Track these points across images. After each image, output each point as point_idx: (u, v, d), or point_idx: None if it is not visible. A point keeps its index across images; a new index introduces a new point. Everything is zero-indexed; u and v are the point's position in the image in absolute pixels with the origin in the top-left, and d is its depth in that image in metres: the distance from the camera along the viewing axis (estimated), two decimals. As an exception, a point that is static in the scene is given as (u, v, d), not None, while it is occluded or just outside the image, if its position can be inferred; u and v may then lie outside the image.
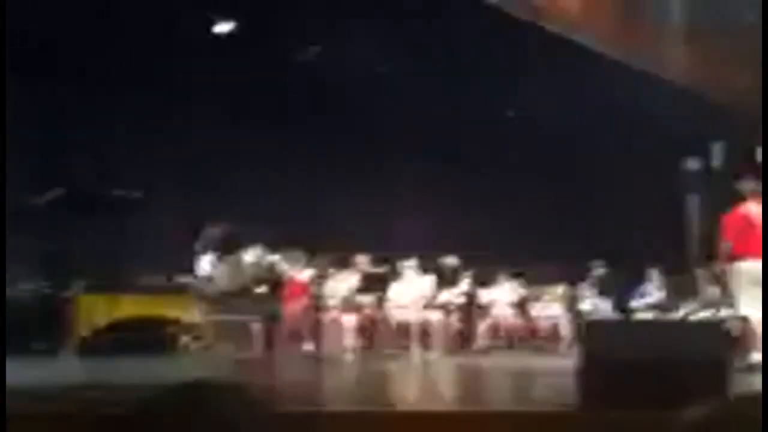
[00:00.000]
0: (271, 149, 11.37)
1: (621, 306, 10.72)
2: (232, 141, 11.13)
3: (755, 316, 7.05)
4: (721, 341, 5.04)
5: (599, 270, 11.39)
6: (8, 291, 8.42)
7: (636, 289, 11.05)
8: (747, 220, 7.16)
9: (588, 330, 4.61)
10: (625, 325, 5.90)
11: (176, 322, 8.42)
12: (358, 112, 11.53)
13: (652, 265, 11.12)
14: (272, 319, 7.65)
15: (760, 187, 7.28)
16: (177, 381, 0.98)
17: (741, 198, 7.36)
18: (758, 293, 6.99)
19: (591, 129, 11.62)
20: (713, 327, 7.53)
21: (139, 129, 10.42)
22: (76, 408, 3.83)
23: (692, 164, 13.50)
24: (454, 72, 10.96)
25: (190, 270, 8.21)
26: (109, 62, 9.79)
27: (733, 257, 7.16)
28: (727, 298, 10.59)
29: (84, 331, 7.55)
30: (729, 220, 7.30)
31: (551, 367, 7.87)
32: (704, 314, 10.36)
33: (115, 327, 5.94)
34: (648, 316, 10.46)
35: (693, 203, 13.55)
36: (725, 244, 7.22)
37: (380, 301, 9.74)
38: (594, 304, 10.98)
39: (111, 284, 6.05)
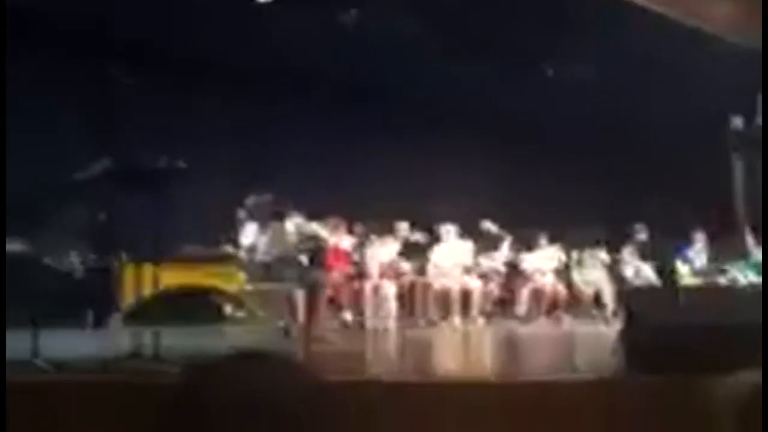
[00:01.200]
0: (312, 119, 11.38)
1: (664, 271, 10.59)
2: (273, 112, 11.16)
3: None
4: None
5: (642, 234, 11.24)
6: (55, 263, 8.60)
7: (680, 253, 10.90)
8: None
9: (631, 297, 4.58)
10: (668, 292, 5.83)
11: (221, 291, 8.53)
12: (398, 81, 11.46)
13: (697, 228, 10.95)
14: (315, 288, 7.70)
15: None
16: (223, 350, 1.01)
17: None
18: None
19: (633, 88, 11.39)
20: (760, 291, 7.44)
21: (182, 102, 10.49)
22: (127, 377, 3.92)
23: (738, 122, 13.22)
24: (492, 35, 10.81)
25: (234, 240, 8.30)
26: (151, 38, 9.86)
27: None
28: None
29: (130, 300, 7.70)
30: None
31: (594, 334, 7.84)
32: (751, 278, 10.21)
33: (161, 297, 6.03)
34: (693, 281, 10.33)
35: (738, 163, 13.29)
36: None
37: (421, 269, 9.75)
38: (637, 269, 10.85)
39: (156, 255, 6.14)
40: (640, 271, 10.80)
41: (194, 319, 7.58)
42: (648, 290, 7.72)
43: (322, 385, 0.83)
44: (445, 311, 9.59)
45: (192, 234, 10.02)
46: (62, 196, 8.27)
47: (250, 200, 8.11)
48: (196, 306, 8.17)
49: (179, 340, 5.24)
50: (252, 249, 7.68)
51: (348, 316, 9.08)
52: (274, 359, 0.84)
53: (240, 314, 7.96)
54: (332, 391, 0.83)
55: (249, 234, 7.86)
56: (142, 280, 5.81)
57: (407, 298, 9.57)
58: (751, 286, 9.15)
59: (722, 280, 10.10)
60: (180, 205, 9.21)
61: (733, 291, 7.00)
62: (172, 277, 7.76)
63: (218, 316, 8.35)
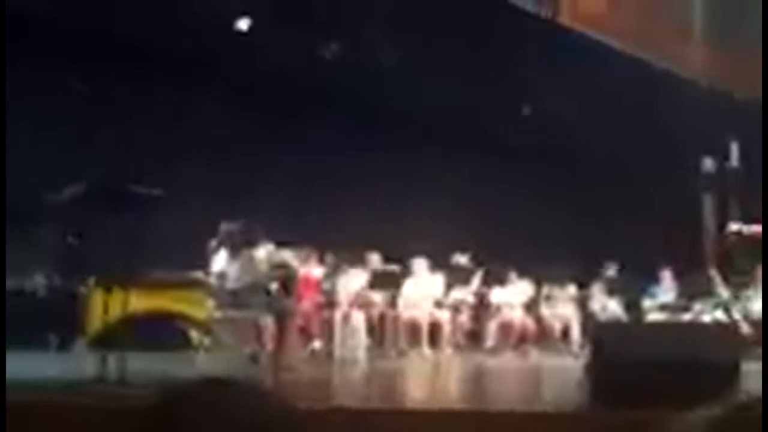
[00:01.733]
0: (286, 147, 11.40)
1: (632, 307, 10.69)
2: (247, 139, 11.17)
3: None
4: (733, 342, 5.05)
5: (611, 271, 11.36)
6: (24, 284, 8.49)
7: (648, 290, 11.02)
8: None
9: (598, 331, 4.63)
10: (634, 327, 5.91)
11: (189, 317, 8.46)
12: (372, 110, 11.54)
13: (664, 266, 11.09)
14: (284, 316, 7.67)
15: None
16: (190, 376, 1.00)
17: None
18: None
19: (606, 128, 11.58)
20: (725, 328, 7.57)
21: (157, 127, 10.48)
22: (91, 400, 3.88)
23: (709, 164, 13.46)
24: (469, 70, 10.96)
25: (203, 266, 8.26)
26: (127, 59, 9.87)
27: None
28: (740, 300, 10.59)
29: (97, 324, 7.60)
30: None
31: (561, 367, 7.88)
32: (717, 315, 10.34)
33: (127, 321, 5.97)
34: (660, 317, 10.43)
35: (708, 203, 13.51)
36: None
37: (392, 299, 9.75)
38: (605, 304, 10.95)
39: (125, 279, 6.09)
40: (607, 306, 10.90)
41: (161, 344, 7.50)
42: (614, 325, 7.79)
43: (290, 412, 0.82)
44: (415, 342, 9.58)
45: (162, 259, 9.95)
46: (33, 218, 8.21)
47: (222, 227, 8.09)
48: (163, 332, 8.09)
49: (145, 366, 5.20)
50: (222, 276, 7.64)
51: (317, 345, 9.05)
52: (241, 385, 0.83)
53: (207, 341, 7.89)
54: (299, 419, 0.83)
55: (219, 261, 7.83)
56: (110, 304, 5.76)
57: (377, 329, 9.56)
58: (716, 324, 9.25)
59: (687, 317, 10.21)
60: (152, 230, 9.20)
61: (697, 328, 7.09)
62: (140, 302, 7.68)
63: (185, 343, 8.27)
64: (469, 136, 11.95)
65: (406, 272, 10.04)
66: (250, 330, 7.31)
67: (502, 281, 10.83)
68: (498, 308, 10.60)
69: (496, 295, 10.70)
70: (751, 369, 5.67)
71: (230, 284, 7.48)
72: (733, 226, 7.54)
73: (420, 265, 10.09)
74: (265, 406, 0.81)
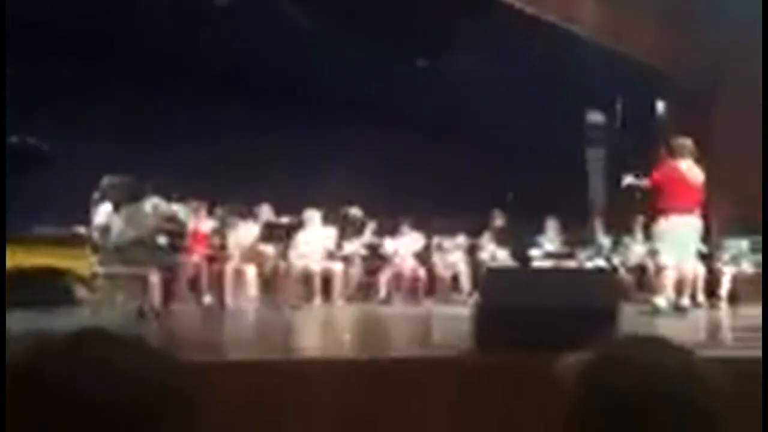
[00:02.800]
0: (177, 99, 11.08)
1: (519, 255, 11.01)
2: (137, 93, 10.79)
3: (670, 264, 7.51)
4: (612, 288, 5.27)
5: (499, 220, 11.64)
6: None
7: (535, 240, 11.37)
8: (679, 175, 7.56)
9: (485, 278, 4.75)
10: (520, 273, 6.07)
11: (72, 273, 8.18)
12: (269, 66, 11.34)
13: (550, 216, 11.45)
14: (173, 271, 7.53)
15: (693, 147, 7.72)
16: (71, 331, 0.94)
17: (669, 153, 7.78)
18: (679, 244, 7.52)
19: (496, 79, 11.74)
20: (605, 275, 7.88)
21: (45, 80, 9.99)
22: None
23: (596, 117, 13.90)
24: (362, 24, 10.87)
25: (86, 221, 7.98)
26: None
27: (659, 210, 7.57)
28: (621, 246, 11.08)
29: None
30: (659, 172, 7.69)
31: (452, 315, 8.05)
32: (598, 263, 10.78)
33: (8, 278, 5.72)
34: (545, 264, 10.79)
35: (594, 156, 13.99)
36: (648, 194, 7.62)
37: (284, 252, 9.71)
38: (493, 253, 11.24)
39: (4, 233, 5.80)
40: (496, 255, 11.19)
41: (43, 300, 7.23)
42: (501, 272, 7.99)
43: (171, 365, 0.78)
44: (307, 295, 9.59)
45: (44, 215, 9.56)
46: None
47: (104, 180, 7.81)
48: (46, 287, 7.81)
49: (28, 323, 5.01)
50: (105, 230, 7.39)
51: (208, 299, 8.94)
52: (118, 337, 0.80)
53: (92, 297, 7.66)
54: (181, 371, 0.79)
55: (102, 215, 7.56)
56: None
57: (269, 282, 9.52)
58: (597, 270, 9.64)
59: (571, 264, 10.61)
60: (33, 186, 8.81)
61: (579, 275, 7.37)
62: (21, 258, 7.39)
63: (69, 298, 8.01)
64: (361, 90, 11.90)
65: (298, 224, 10.00)
66: (137, 285, 7.13)
67: (394, 232, 10.96)
68: (390, 259, 10.72)
69: (388, 245, 10.82)
70: (626, 312, 5.95)
71: (114, 239, 7.24)
72: (627, 179, 7.95)
73: (312, 216, 10.06)
74: (144, 358, 0.77)
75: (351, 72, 11.50)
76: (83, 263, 7.90)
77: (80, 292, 8.06)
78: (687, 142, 7.80)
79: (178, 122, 11.06)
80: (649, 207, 7.84)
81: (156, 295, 7.01)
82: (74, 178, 8.47)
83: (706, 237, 8.95)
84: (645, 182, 7.79)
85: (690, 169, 7.68)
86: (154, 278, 7.02)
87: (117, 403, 0.70)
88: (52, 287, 7.94)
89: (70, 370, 0.72)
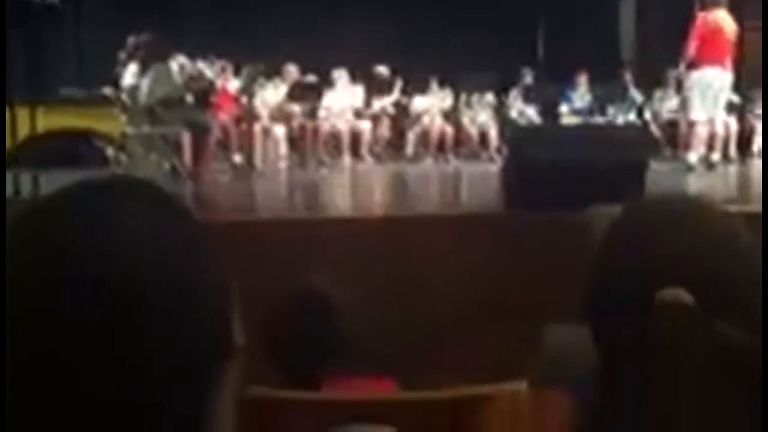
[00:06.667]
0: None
1: (547, 112, 10.88)
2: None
3: (702, 119, 7.36)
4: (642, 142, 5.22)
5: (528, 78, 11.43)
6: None
7: (563, 95, 11.19)
8: (715, 27, 7.29)
9: (514, 134, 4.71)
10: (548, 130, 6.02)
11: (102, 134, 8.24)
12: None
13: (580, 72, 11.21)
14: (202, 130, 7.54)
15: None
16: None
17: (706, 5, 7.47)
18: (710, 99, 7.29)
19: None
20: (635, 129, 7.80)
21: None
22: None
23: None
24: None
25: (115, 81, 7.96)
26: None
27: (694, 62, 7.34)
28: (653, 101, 10.88)
29: (6, 143, 7.35)
30: (699, 28, 7.40)
31: (480, 173, 8.07)
32: (630, 118, 10.64)
33: (38, 140, 5.76)
34: (574, 120, 10.67)
35: (626, 9, 13.51)
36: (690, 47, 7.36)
37: (312, 111, 9.66)
38: (522, 110, 11.10)
39: (32, 96, 5.80)
40: (525, 112, 11.06)
41: (74, 162, 7.32)
42: (529, 129, 7.93)
43: (204, 223, 0.73)
44: (336, 153, 9.62)
45: (71, 76, 9.54)
46: None
47: (130, 40, 7.73)
48: (76, 149, 7.89)
49: (59, 184, 5.09)
50: (134, 90, 7.38)
51: (237, 158, 9.00)
52: (137, 184, 0.70)
53: (123, 157, 7.73)
54: (216, 230, 0.76)
55: (130, 75, 7.53)
56: (17, 124, 5.53)
57: (297, 141, 9.53)
58: (629, 125, 9.53)
59: (601, 120, 10.48)
60: (56, 45, 8.74)
61: (609, 129, 7.29)
62: (50, 121, 7.43)
63: (100, 160, 8.09)
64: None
65: (326, 83, 9.90)
66: (168, 145, 7.19)
67: (422, 90, 10.82)
68: (418, 117, 10.65)
69: (417, 103, 10.72)
70: (657, 168, 5.92)
71: (143, 99, 7.24)
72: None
73: (340, 75, 9.94)
74: (172, 214, 0.71)
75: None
76: (113, 124, 7.94)
77: (111, 153, 8.15)
78: None
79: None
80: (682, 59, 7.59)
81: (187, 155, 7.06)
82: (98, 38, 8.40)
83: (738, 87, 8.74)
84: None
85: (724, 19, 7.40)
86: (185, 137, 7.05)
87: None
88: (82, 149, 8.02)
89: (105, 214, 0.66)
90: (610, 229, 1.01)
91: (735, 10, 7.61)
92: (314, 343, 1.85)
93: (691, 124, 7.65)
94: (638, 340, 0.81)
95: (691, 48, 7.32)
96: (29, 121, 5.48)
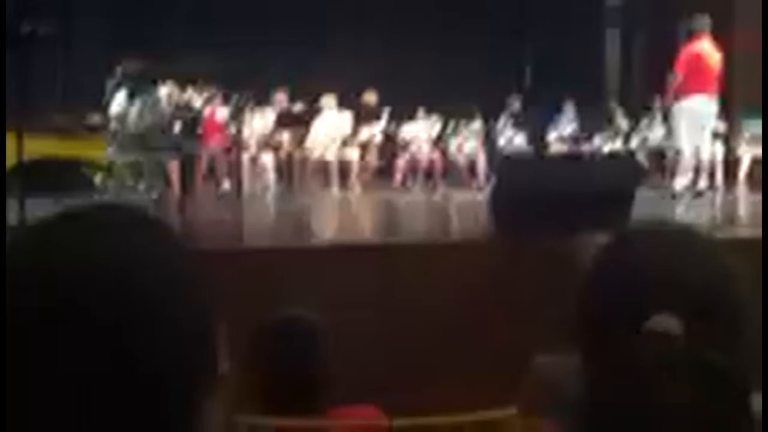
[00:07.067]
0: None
1: (535, 140, 10.93)
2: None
3: (689, 148, 7.42)
4: (629, 172, 5.25)
5: (515, 105, 11.50)
6: None
7: (551, 123, 11.26)
8: (700, 57, 7.36)
9: (501, 165, 4.73)
10: (536, 161, 6.06)
11: (89, 161, 8.22)
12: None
13: (568, 98, 11.30)
14: (190, 158, 7.55)
15: (710, 26, 7.48)
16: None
17: (691, 35, 7.56)
18: (698, 129, 7.37)
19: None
20: (623, 159, 7.86)
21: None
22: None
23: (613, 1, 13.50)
24: None
25: (103, 109, 7.96)
26: None
27: (680, 92, 7.40)
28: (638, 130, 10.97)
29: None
30: (682, 55, 7.48)
31: (468, 201, 8.08)
32: (616, 146, 10.71)
33: (26, 166, 5.74)
34: (562, 148, 10.72)
35: (612, 38, 13.66)
36: (674, 77, 7.42)
37: (300, 139, 9.67)
38: (510, 138, 11.15)
39: (20, 123, 5.79)
40: (513, 140, 11.11)
41: (62, 189, 7.28)
42: (517, 158, 7.96)
43: (191, 252, 0.72)
44: (324, 182, 9.62)
45: (59, 103, 9.52)
46: None
47: (119, 68, 7.75)
48: (64, 176, 7.85)
49: (46, 211, 5.06)
50: (122, 118, 7.38)
51: (226, 186, 8.99)
52: (124, 210, 0.70)
53: (111, 184, 7.70)
54: (203, 258, 0.75)
55: (118, 103, 7.54)
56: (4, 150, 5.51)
57: (285, 169, 9.53)
58: (616, 155, 9.60)
59: (587, 147, 10.55)
60: (44, 72, 8.74)
61: (596, 160, 7.34)
62: (38, 148, 7.40)
63: (87, 187, 8.06)
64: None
65: (314, 111, 9.92)
66: (156, 172, 7.17)
67: (410, 118, 10.87)
68: (406, 145, 10.67)
69: (405, 130, 10.75)
70: (644, 196, 5.95)
71: (131, 127, 7.24)
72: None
73: (328, 103, 9.97)
74: (159, 243, 0.70)
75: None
76: (100, 152, 7.92)
77: (98, 180, 8.12)
78: (706, 20, 7.57)
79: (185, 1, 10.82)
80: (667, 89, 7.66)
81: (175, 182, 7.06)
82: (86, 65, 8.41)
83: (724, 116, 8.82)
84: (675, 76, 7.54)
85: (709, 49, 7.49)
86: (173, 165, 7.05)
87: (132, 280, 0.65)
88: (69, 176, 7.98)
89: (86, 242, 0.66)
90: (597, 257, 1.01)
91: (720, 36, 7.69)
92: (301, 373, 1.84)
93: (678, 153, 7.71)
94: (626, 366, 0.81)
95: (676, 79, 7.40)
96: (16, 148, 5.45)
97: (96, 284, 0.62)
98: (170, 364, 0.63)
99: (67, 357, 0.60)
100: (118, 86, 7.66)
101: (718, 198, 8.19)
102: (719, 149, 9.31)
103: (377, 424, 1.77)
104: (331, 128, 9.89)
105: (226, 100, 9.50)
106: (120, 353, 0.61)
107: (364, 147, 10.30)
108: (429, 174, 10.59)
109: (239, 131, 9.23)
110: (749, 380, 0.78)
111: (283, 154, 9.52)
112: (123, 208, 0.71)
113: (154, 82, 7.77)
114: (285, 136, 9.59)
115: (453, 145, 11.00)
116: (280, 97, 9.92)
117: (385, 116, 10.56)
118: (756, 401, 0.77)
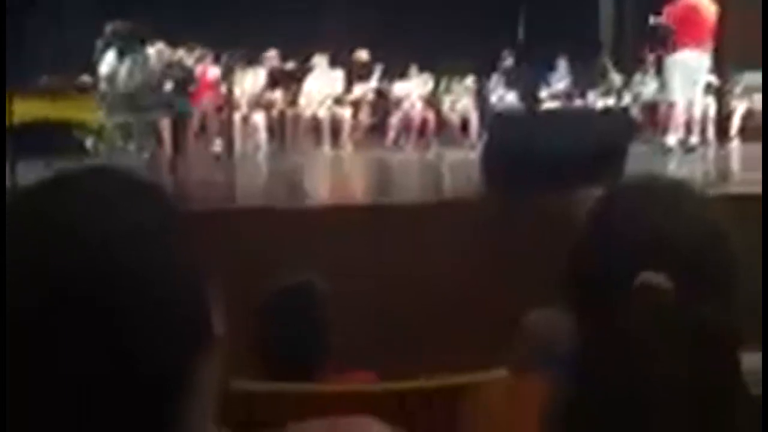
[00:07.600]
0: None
1: (527, 96, 10.88)
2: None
3: (682, 102, 7.40)
4: (621, 127, 5.25)
5: (508, 61, 11.41)
6: None
7: (544, 79, 11.20)
8: (695, 10, 7.30)
9: (493, 122, 4.72)
10: (528, 117, 6.04)
11: (80, 123, 8.16)
12: None
13: (561, 54, 11.22)
14: (181, 117, 7.49)
15: None
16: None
17: None
18: (690, 81, 7.29)
19: None
20: (615, 115, 7.84)
21: None
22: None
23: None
24: None
25: (92, 69, 7.88)
26: None
27: (673, 45, 7.36)
28: (633, 83, 10.91)
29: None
30: (674, 8, 7.43)
31: (460, 160, 8.06)
32: (609, 102, 10.67)
33: (14, 130, 5.69)
34: (554, 104, 10.68)
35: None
36: (665, 29, 7.38)
37: (292, 98, 9.61)
38: (502, 95, 11.09)
39: (9, 85, 5.73)
40: (504, 97, 11.05)
41: (52, 152, 7.25)
42: (508, 115, 7.93)
43: (184, 213, 0.72)
44: (316, 141, 9.58)
45: (48, 64, 9.43)
46: None
47: (108, 27, 7.65)
48: (54, 139, 7.80)
49: (37, 175, 5.05)
50: (112, 78, 7.30)
51: (217, 146, 8.95)
52: (111, 171, 0.70)
53: (102, 147, 7.66)
54: (196, 219, 0.75)
55: (108, 63, 7.45)
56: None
57: (277, 129, 9.49)
58: (609, 110, 9.55)
59: (579, 103, 10.50)
60: (34, 34, 8.65)
61: (588, 114, 7.32)
62: (27, 110, 7.35)
63: (78, 149, 8.02)
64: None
65: (306, 70, 9.85)
66: (146, 132, 7.13)
67: (402, 75, 10.79)
68: (398, 103, 10.62)
69: (398, 89, 10.69)
70: (636, 151, 5.95)
71: (121, 86, 7.17)
72: (652, 19, 7.70)
73: (320, 62, 9.89)
74: (152, 205, 0.70)
75: None
76: (91, 114, 7.86)
77: (89, 143, 8.08)
78: None
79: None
80: (662, 42, 7.62)
81: (167, 143, 7.02)
82: (75, 26, 8.31)
83: (718, 69, 8.77)
84: (663, 19, 7.52)
85: (704, 2, 7.43)
86: (164, 123, 7.00)
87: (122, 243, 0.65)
88: (60, 139, 7.94)
89: (76, 205, 0.66)
90: (589, 213, 1.02)
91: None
92: (298, 335, 1.85)
93: (670, 106, 7.69)
94: (616, 322, 0.82)
95: (672, 31, 7.35)
96: (6, 111, 5.42)
97: (91, 249, 0.62)
98: (164, 325, 0.63)
99: (61, 310, 0.60)
100: (107, 46, 7.56)
101: (711, 153, 8.19)
102: (712, 104, 9.28)
103: (371, 389, 1.78)
104: (322, 86, 9.83)
105: (217, 60, 9.42)
106: (113, 319, 0.61)
107: (357, 105, 10.24)
108: (422, 132, 10.55)
109: (230, 91, 9.17)
110: (740, 336, 0.79)
111: (274, 113, 9.46)
112: (114, 171, 0.70)
113: (143, 42, 7.68)
114: (277, 95, 9.53)
115: (446, 103, 10.94)
116: (271, 54, 9.83)
117: (376, 74, 10.49)
118: (746, 359, 0.78)
